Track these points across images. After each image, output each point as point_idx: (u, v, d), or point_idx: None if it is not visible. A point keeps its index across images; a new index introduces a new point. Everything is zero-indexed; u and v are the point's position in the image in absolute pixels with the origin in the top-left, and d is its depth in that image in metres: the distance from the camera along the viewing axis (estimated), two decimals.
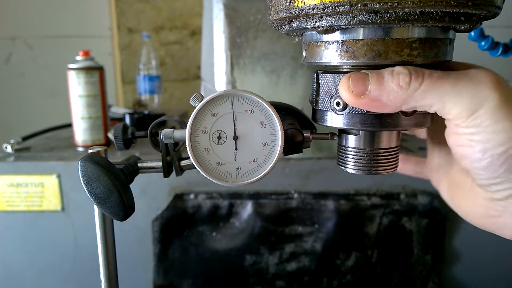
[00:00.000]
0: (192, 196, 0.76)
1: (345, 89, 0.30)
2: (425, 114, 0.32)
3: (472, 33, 0.52)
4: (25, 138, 0.88)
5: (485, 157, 0.28)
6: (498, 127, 0.27)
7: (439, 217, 0.75)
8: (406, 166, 0.46)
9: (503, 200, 0.30)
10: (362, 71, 0.30)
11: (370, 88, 0.29)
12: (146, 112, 1.07)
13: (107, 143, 0.86)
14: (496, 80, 0.28)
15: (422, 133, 0.45)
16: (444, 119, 0.30)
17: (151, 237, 0.77)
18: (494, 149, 0.28)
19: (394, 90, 0.28)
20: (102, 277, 0.40)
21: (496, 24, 0.52)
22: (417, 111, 0.30)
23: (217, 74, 0.76)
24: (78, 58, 0.83)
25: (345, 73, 0.31)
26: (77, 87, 0.82)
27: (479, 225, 0.34)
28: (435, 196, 0.74)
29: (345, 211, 0.76)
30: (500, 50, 0.53)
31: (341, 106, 0.31)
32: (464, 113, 0.28)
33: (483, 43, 0.53)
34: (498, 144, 0.27)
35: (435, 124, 0.35)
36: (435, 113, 0.29)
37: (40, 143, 0.90)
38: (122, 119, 1.05)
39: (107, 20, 1.71)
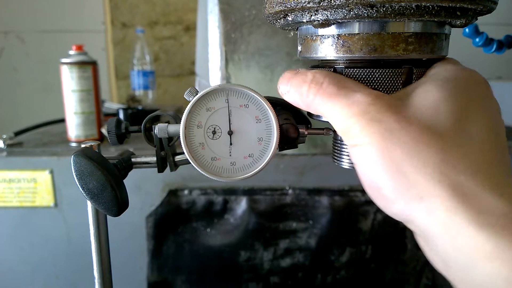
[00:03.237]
0: (186, 192, 0.76)
1: (279, 83, 0.33)
2: None
3: (467, 30, 0.52)
4: (17, 133, 0.88)
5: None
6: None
7: None
8: None
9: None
10: (294, 69, 0.31)
11: (290, 84, 0.31)
12: (140, 107, 1.07)
13: (101, 138, 0.85)
14: (366, 105, 0.27)
15: None
16: None
17: (145, 233, 0.77)
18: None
19: (299, 94, 0.30)
20: (96, 273, 0.39)
21: (490, 21, 0.52)
22: None
23: (212, 69, 0.76)
24: (71, 52, 0.82)
25: (341, 67, 0.30)
26: (70, 82, 0.81)
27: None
28: None
29: (339, 207, 0.76)
30: (494, 46, 0.53)
31: None
32: (341, 132, 0.28)
33: (477, 40, 0.53)
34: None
35: None
36: None
37: (32, 138, 0.89)
38: (115, 114, 1.05)
39: (100, 15, 1.70)
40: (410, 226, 0.27)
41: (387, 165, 0.25)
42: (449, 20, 0.28)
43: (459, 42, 0.57)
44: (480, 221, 0.22)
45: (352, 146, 0.27)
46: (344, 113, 0.27)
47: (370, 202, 0.76)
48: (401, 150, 0.25)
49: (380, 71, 0.29)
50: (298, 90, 0.30)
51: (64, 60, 0.81)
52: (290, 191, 0.76)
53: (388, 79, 0.29)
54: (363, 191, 0.79)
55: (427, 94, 0.26)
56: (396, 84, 0.29)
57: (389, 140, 0.25)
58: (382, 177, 0.25)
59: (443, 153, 0.24)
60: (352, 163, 0.33)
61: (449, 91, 0.26)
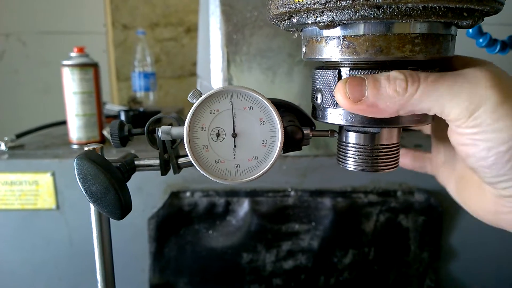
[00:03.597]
0: (188, 194, 0.75)
1: (342, 95, 0.29)
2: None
3: (471, 30, 0.52)
4: (19, 136, 0.87)
5: (490, 155, 0.28)
6: (499, 125, 0.27)
7: (436, 214, 0.75)
8: (404, 160, 0.46)
9: (511, 197, 0.30)
10: (358, 75, 0.29)
11: (367, 94, 0.28)
12: (141, 109, 1.07)
13: (102, 140, 0.85)
14: (493, 78, 0.27)
15: (426, 129, 0.45)
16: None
17: (147, 235, 0.76)
18: (497, 148, 0.27)
19: (391, 96, 0.28)
20: (99, 276, 0.39)
21: (494, 22, 0.52)
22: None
23: (214, 71, 0.76)
24: (73, 54, 0.82)
25: (346, 69, 0.30)
26: (71, 84, 0.81)
27: (489, 221, 0.34)
28: (431, 193, 0.74)
29: (342, 209, 0.76)
30: (498, 47, 0.53)
31: (319, 100, 0.32)
32: (463, 114, 0.27)
33: (481, 40, 0.53)
34: (501, 142, 0.27)
35: (439, 122, 0.35)
36: None
37: (34, 141, 0.89)
38: (117, 116, 1.04)
39: (101, 17, 1.70)
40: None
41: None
42: (456, 21, 0.28)
43: (462, 42, 0.57)
44: None
45: (482, 128, 0.28)
46: (469, 94, 0.27)
47: (373, 204, 0.76)
48: None
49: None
50: (381, 93, 0.28)
51: (65, 62, 0.81)
52: (292, 193, 0.76)
53: None
54: (365, 193, 0.78)
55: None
56: None
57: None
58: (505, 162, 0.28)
59: None
60: (357, 166, 0.33)
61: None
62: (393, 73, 0.28)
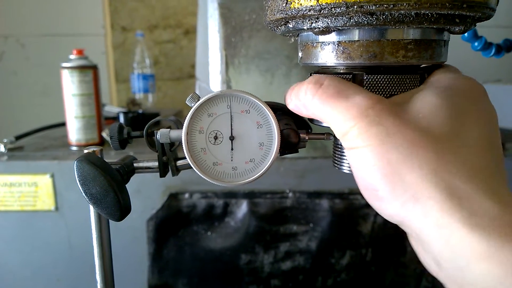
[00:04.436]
0: (187, 195, 0.76)
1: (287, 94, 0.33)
2: None
3: (466, 34, 0.53)
4: (18, 137, 0.88)
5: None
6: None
7: None
8: None
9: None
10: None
11: (291, 95, 0.32)
12: (140, 111, 1.07)
13: (101, 142, 0.86)
14: (365, 107, 0.27)
15: None
16: None
17: (146, 237, 0.77)
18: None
19: (298, 98, 0.31)
20: (98, 277, 0.39)
21: (489, 24, 0.52)
22: None
23: (212, 73, 0.76)
24: (72, 57, 0.83)
25: (341, 74, 0.31)
26: (70, 86, 0.81)
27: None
28: None
29: (340, 210, 0.76)
30: (493, 50, 0.54)
31: None
32: (338, 134, 0.28)
33: (476, 44, 0.53)
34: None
35: None
36: None
37: (33, 142, 0.89)
38: (116, 118, 1.05)
39: (100, 19, 1.70)
40: (404, 228, 0.27)
41: (384, 168, 0.25)
42: (448, 27, 0.28)
43: (458, 46, 0.57)
44: (473, 222, 0.23)
45: (349, 148, 0.28)
46: (342, 116, 0.27)
47: (370, 205, 0.76)
48: (398, 153, 0.25)
49: (381, 77, 0.29)
50: (297, 94, 0.31)
51: (65, 64, 0.81)
52: (290, 194, 0.76)
53: (388, 85, 0.29)
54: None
55: (426, 100, 0.27)
56: (396, 91, 0.30)
57: (387, 143, 0.25)
58: (378, 179, 0.26)
59: (439, 156, 0.25)
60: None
61: (447, 98, 0.27)
62: (308, 78, 0.31)
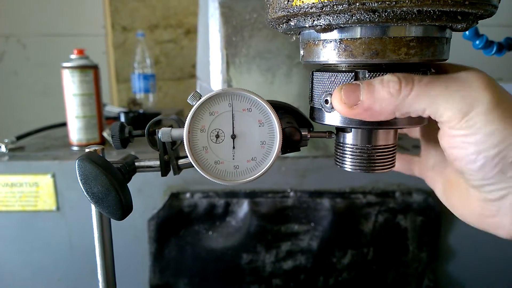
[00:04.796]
0: (188, 195, 0.76)
1: (338, 101, 0.30)
2: None
3: (467, 32, 0.52)
4: (19, 138, 0.88)
5: (479, 159, 0.28)
6: (491, 128, 0.27)
7: (434, 214, 0.75)
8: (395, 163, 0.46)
9: (497, 200, 0.30)
10: (354, 82, 0.30)
11: (362, 98, 0.29)
12: (141, 111, 1.07)
13: (102, 142, 0.85)
14: (487, 81, 0.28)
15: (415, 132, 0.45)
16: (437, 122, 0.30)
17: (147, 236, 0.77)
18: (487, 151, 0.28)
19: (386, 98, 0.29)
20: (100, 277, 0.39)
21: (490, 23, 0.52)
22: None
23: (213, 73, 0.76)
24: (73, 56, 0.83)
25: (343, 71, 0.31)
26: (71, 86, 0.81)
27: (475, 224, 0.34)
28: (430, 194, 0.74)
29: (341, 209, 0.76)
30: (495, 49, 0.54)
31: (329, 104, 0.32)
32: (456, 116, 0.28)
33: (477, 42, 0.53)
34: (491, 146, 0.27)
35: (429, 124, 0.35)
36: None
37: (34, 142, 0.89)
38: (117, 118, 1.05)
39: (101, 19, 1.70)
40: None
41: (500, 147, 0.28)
42: (450, 24, 0.28)
43: (458, 44, 0.57)
44: None
45: (466, 133, 0.28)
46: (461, 96, 0.28)
47: (371, 204, 0.76)
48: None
49: (382, 75, 0.29)
50: (376, 96, 0.29)
51: (65, 64, 0.81)
52: (291, 194, 0.76)
53: None
54: (364, 193, 0.79)
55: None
56: None
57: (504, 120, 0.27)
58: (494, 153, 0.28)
59: None
60: (355, 166, 0.34)
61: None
62: (387, 76, 0.29)
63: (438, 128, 0.31)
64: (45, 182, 0.75)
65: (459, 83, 0.28)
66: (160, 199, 0.76)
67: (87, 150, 0.36)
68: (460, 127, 0.28)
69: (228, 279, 0.79)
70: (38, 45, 1.69)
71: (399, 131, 0.44)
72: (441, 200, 0.41)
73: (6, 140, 0.83)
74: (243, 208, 0.76)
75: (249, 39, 0.72)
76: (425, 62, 0.31)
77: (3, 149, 0.81)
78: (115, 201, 0.34)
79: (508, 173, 0.28)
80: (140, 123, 0.99)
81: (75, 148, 0.83)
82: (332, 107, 0.31)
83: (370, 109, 0.29)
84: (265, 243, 0.77)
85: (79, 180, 0.34)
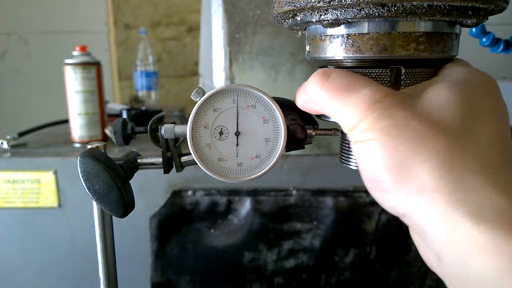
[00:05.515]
0: (190, 193, 0.75)
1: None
2: None
3: (474, 30, 0.52)
4: (21, 134, 0.87)
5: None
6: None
7: None
8: None
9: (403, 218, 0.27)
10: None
11: (300, 92, 0.32)
12: (143, 108, 1.07)
13: (104, 139, 0.85)
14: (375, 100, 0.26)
15: None
16: None
17: (148, 234, 0.76)
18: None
19: (305, 93, 0.30)
20: (101, 275, 0.39)
21: (496, 21, 0.52)
22: None
23: (216, 70, 0.76)
24: (75, 53, 0.82)
25: (350, 67, 0.30)
26: (74, 83, 0.81)
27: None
28: None
29: (344, 208, 0.76)
30: (501, 46, 0.53)
31: None
32: (346, 128, 0.28)
33: (484, 40, 0.53)
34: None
35: None
36: None
37: (36, 139, 0.89)
38: (119, 115, 1.04)
39: (103, 16, 1.70)
40: (406, 220, 0.27)
41: (391, 160, 0.25)
42: (460, 19, 0.27)
43: (465, 42, 0.57)
44: (478, 215, 0.23)
45: (356, 142, 0.27)
46: (351, 109, 0.27)
47: (374, 203, 0.76)
48: (406, 145, 0.25)
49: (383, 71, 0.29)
50: (304, 89, 0.30)
51: (68, 61, 0.81)
52: (294, 192, 0.76)
53: (406, 79, 0.29)
54: (367, 192, 0.78)
55: (437, 93, 0.27)
56: (406, 85, 0.29)
57: (395, 136, 0.25)
58: (384, 171, 0.25)
59: (447, 149, 0.24)
60: None
61: (459, 92, 0.26)
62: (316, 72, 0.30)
63: None
64: (47, 179, 0.74)
65: (355, 98, 0.27)
66: (162, 197, 0.75)
67: (89, 146, 0.36)
68: (351, 139, 0.28)
69: (230, 277, 0.79)
70: (40, 42, 1.69)
71: None
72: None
73: (8, 137, 0.83)
74: (245, 206, 0.76)
75: (252, 36, 0.71)
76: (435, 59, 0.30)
77: (5, 145, 0.81)
78: (117, 198, 0.33)
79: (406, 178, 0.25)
80: (142, 120, 0.98)
81: (77, 145, 0.83)
82: None
83: (303, 101, 0.31)
84: (267, 241, 0.77)
85: (81, 177, 0.33)
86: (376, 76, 0.29)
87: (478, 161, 0.25)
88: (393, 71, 0.29)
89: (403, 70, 0.29)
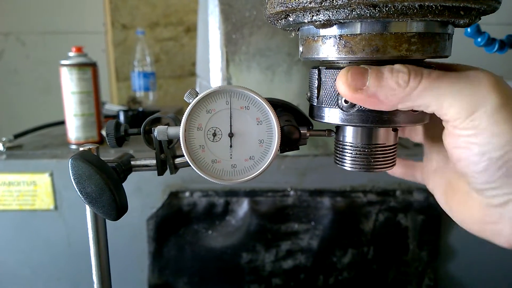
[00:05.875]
0: (187, 194, 0.75)
1: (343, 82, 0.29)
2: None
3: (469, 29, 0.52)
4: (17, 136, 0.87)
5: (483, 160, 0.27)
6: (497, 129, 0.26)
7: (435, 213, 0.75)
8: (393, 169, 0.44)
9: (500, 206, 0.29)
10: (362, 66, 0.29)
11: (368, 84, 0.28)
12: (140, 109, 1.06)
13: (101, 140, 0.85)
14: (495, 81, 0.27)
15: (418, 136, 0.44)
16: (442, 120, 0.29)
17: (146, 236, 0.76)
18: (492, 152, 0.27)
19: (392, 87, 0.28)
20: (95, 278, 0.39)
21: (492, 21, 0.52)
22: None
23: (213, 70, 0.75)
24: (71, 54, 0.82)
25: (342, 68, 0.30)
26: (69, 84, 0.80)
27: (475, 231, 0.33)
28: (430, 193, 0.74)
29: (341, 208, 0.75)
30: (496, 46, 0.53)
31: (349, 103, 0.31)
32: (462, 114, 0.27)
33: (479, 39, 0.52)
34: (496, 147, 0.27)
35: (433, 126, 0.34)
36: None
37: (32, 141, 0.89)
38: (116, 116, 1.04)
39: (101, 16, 1.70)
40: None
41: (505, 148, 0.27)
42: (453, 20, 0.27)
43: (460, 42, 0.56)
44: None
45: (471, 133, 0.27)
46: (469, 94, 0.27)
47: (372, 203, 0.75)
48: None
49: None
50: (383, 85, 0.28)
51: (63, 62, 0.81)
52: (291, 193, 0.76)
53: None
54: (364, 192, 0.78)
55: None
56: None
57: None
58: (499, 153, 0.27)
59: None
60: (355, 166, 0.33)
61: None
62: (397, 66, 0.28)
63: (443, 128, 0.30)
64: (43, 181, 0.74)
65: (467, 81, 0.27)
66: (159, 198, 0.75)
67: (81, 149, 0.36)
68: (465, 127, 0.27)
69: (227, 278, 0.78)
70: (37, 42, 1.69)
71: (403, 133, 0.44)
72: (441, 206, 0.39)
73: (4, 139, 0.82)
74: (243, 207, 0.76)
75: (249, 36, 0.71)
76: (427, 59, 0.30)
77: (1, 147, 0.80)
78: (110, 201, 0.33)
79: None
80: (139, 121, 0.98)
81: (73, 147, 0.83)
82: (351, 106, 0.30)
83: (375, 96, 0.28)
84: (265, 242, 0.77)
85: (73, 180, 0.33)
86: None
87: None
88: None
89: None
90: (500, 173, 0.27)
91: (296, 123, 0.36)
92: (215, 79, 0.75)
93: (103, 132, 0.83)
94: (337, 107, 0.31)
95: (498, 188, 0.28)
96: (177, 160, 0.39)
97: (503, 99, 0.26)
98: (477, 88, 0.27)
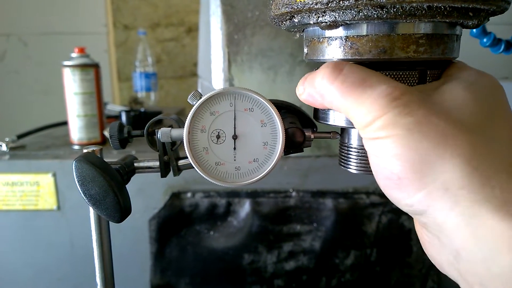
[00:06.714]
0: (189, 194, 0.75)
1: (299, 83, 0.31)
2: None
3: (475, 30, 0.51)
4: (20, 136, 0.87)
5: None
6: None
7: None
8: None
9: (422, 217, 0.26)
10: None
11: (305, 84, 0.30)
12: (142, 109, 1.06)
13: (103, 141, 0.85)
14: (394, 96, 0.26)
15: None
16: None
17: (148, 236, 0.76)
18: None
19: (313, 86, 0.29)
20: (98, 280, 0.39)
21: (497, 21, 0.51)
22: None
23: (214, 71, 0.75)
24: (74, 55, 0.82)
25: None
26: (72, 85, 0.80)
27: (447, 272, 0.28)
28: None
29: (344, 210, 0.75)
30: (502, 47, 0.53)
31: None
32: (359, 125, 0.27)
33: (485, 40, 0.52)
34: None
35: None
36: None
37: (35, 141, 0.89)
38: (118, 116, 1.04)
39: (102, 17, 1.70)
40: (424, 218, 0.26)
41: (413, 157, 0.25)
42: (461, 21, 0.27)
43: (466, 42, 0.56)
44: (505, 211, 0.23)
45: (371, 139, 0.27)
46: (367, 106, 0.26)
47: (375, 205, 0.75)
48: (428, 142, 0.24)
49: (392, 73, 0.28)
50: (311, 82, 0.29)
51: (66, 63, 0.81)
52: (294, 194, 0.75)
53: (400, 81, 0.28)
54: (367, 193, 0.78)
55: (454, 93, 0.27)
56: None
57: (416, 133, 0.25)
58: (405, 168, 0.25)
59: (472, 147, 0.24)
60: (360, 168, 0.33)
61: (475, 93, 0.27)
62: (324, 64, 0.29)
63: None
64: (46, 181, 0.74)
65: (371, 93, 0.26)
66: (161, 198, 0.75)
67: (84, 150, 0.35)
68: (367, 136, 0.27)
69: (229, 279, 0.78)
70: (39, 43, 1.69)
71: None
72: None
73: (7, 139, 0.82)
74: (245, 208, 0.76)
75: (251, 37, 0.71)
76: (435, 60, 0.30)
77: (4, 148, 0.80)
78: (113, 203, 0.33)
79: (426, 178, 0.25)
80: (141, 122, 0.98)
81: (76, 147, 0.83)
82: None
83: (309, 95, 0.30)
84: (267, 243, 0.76)
85: (77, 182, 0.33)
86: (399, 77, 0.28)
87: (500, 159, 0.25)
88: (417, 74, 0.28)
89: (428, 72, 0.29)
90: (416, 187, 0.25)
91: (300, 125, 0.36)
92: (217, 80, 0.75)
93: (105, 133, 0.83)
94: None
95: (413, 197, 0.26)
96: (181, 162, 0.39)
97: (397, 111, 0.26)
98: (377, 103, 0.26)
